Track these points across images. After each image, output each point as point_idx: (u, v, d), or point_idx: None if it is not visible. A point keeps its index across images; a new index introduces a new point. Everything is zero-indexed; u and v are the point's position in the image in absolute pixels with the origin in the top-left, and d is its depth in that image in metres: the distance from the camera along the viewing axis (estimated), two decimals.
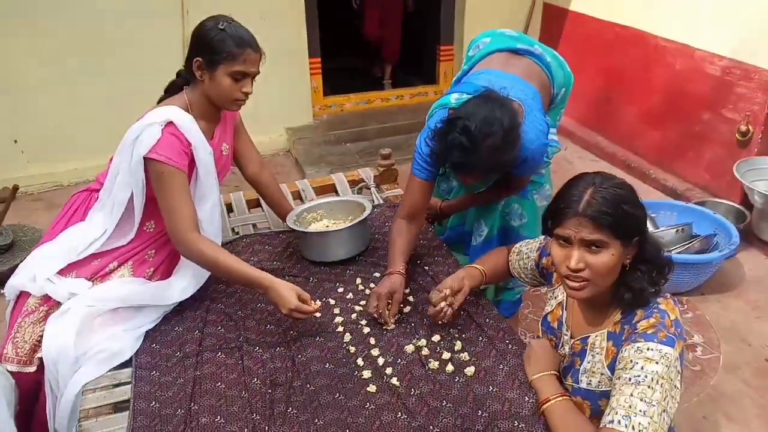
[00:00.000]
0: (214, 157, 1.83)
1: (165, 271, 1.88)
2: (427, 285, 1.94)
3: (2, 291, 1.84)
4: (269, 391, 1.53)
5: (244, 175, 2.19)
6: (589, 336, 1.41)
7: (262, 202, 2.40)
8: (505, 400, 1.47)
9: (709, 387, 2.46)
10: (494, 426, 1.40)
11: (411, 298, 1.88)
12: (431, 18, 5.27)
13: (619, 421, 1.20)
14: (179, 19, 4.13)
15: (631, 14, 4.35)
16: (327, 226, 2.18)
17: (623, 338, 1.32)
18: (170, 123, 1.69)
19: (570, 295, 1.38)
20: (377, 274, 2.01)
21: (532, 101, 1.93)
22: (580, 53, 4.69)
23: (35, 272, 1.72)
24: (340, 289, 1.95)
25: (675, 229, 3.08)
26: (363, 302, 1.87)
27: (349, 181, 2.60)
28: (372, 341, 1.70)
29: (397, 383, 1.54)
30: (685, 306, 2.93)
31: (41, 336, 1.66)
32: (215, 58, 1.70)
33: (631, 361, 1.25)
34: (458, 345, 1.66)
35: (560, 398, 1.39)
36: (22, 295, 1.75)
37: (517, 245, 1.79)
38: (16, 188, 3.14)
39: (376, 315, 1.75)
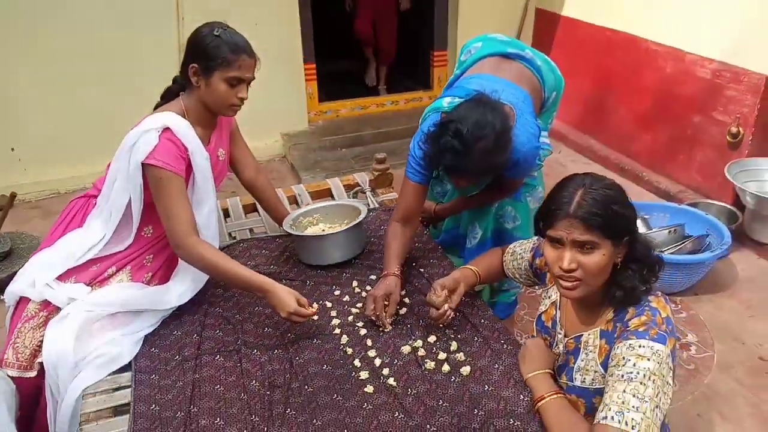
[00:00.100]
0: (210, 163, 1.85)
1: (163, 275, 1.90)
2: (423, 287, 1.96)
3: (2, 297, 1.85)
4: (268, 392, 1.55)
5: (241, 180, 2.21)
6: (582, 334, 1.43)
7: (259, 206, 2.42)
8: (501, 398, 1.49)
9: (703, 386, 2.48)
10: (490, 424, 1.42)
11: (407, 300, 1.91)
12: (425, 23, 5.30)
13: (612, 417, 1.22)
14: (174, 26, 4.15)
15: (622, 19, 4.39)
16: (323, 230, 2.20)
17: (615, 336, 1.34)
18: (167, 129, 1.71)
19: (563, 294, 1.40)
20: (373, 277, 2.03)
21: (523, 104, 1.96)
22: (573, 57, 4.74)
23: (34, 278, 1.73)
24: (337, 292, 1.97)
25: (667, 230, 3.11)
26: (359, 304, 1.89)
27: (344, 186, 2.63)
28: (369, 343, 1.72)
29: (394, 383, 1.56)
30: (679, 306, 2.96)
31: (41, 341, 1.68)
32: (211, 64, 1.72)
33: (624, 358, 1.27)
34: (454, 345, 1.68)
35: (555, 396, 1.41)
36: (22, 301, 1.77)
37: (511, 246, 1.82)
38: (14, 196, 3.15)
39: (373, 317, 1.77)
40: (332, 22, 5.31)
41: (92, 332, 1.68)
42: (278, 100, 4.46)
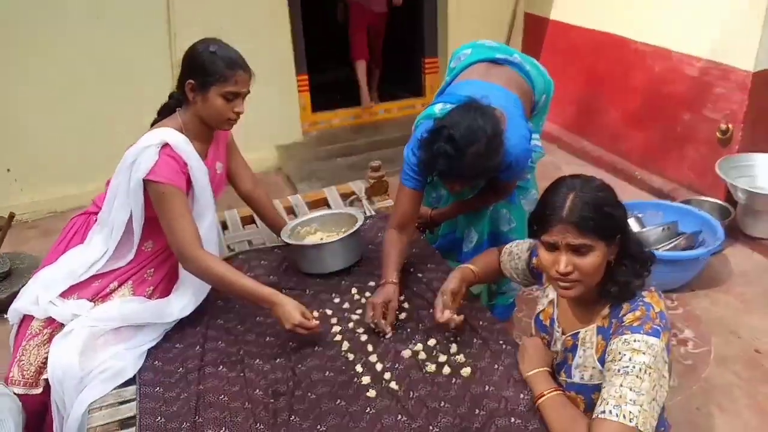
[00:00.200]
0: (209, 177, 1.88)
1: (164, 289, 1.92)
2: (422, 291, 1.99)
3: (5, 316, 1.87)
4: (272, 401, 1.57)
5: (238, 193, 2.23)
6: (579, 332, 1.46)
7: (257, 218, 2.44)
8: (502, 398, 1.52)
9: (701, 380, 2.51)
10: (492, 423, 1.44)
11: (406, 305, 1.93)
12: (415, 31, 5.34)
13: (610, 411, 1.24)
14: (166, 41, 4.18)
15: (609, 21, 4.44)
16: (321, 239, 2.22)
17: (611, 332, 1.37)
18: (166, 145, 1.74)
19: (561, 295, 1.43)
20: (372, 284, 2.05)
21: (514, 108, 2.00)
22: (562, 60, 4.79)
23: (38, 295, 1.76)
24: (337, 300, 1.99)
25: (661, 228, 3.14)
26: (359, 311, 1.91)
27: (340, 195, 2.66)
28: (370, 348, 1.74)
29: (396, 387, 1.58)
30: (675, 302, 2.99)
31: (46, 358, 1.70)
32: (207, 79, 1.75)
33: (620, 353, 1.30)
34: (454, 348, 1.71)
35: (554, 393, 1.43)
36: (26, 319, 1.79)
37: (508, 246, 1.84)
38: (12, 216, 3.17)
39: (372, 325, 1.79)
40: (323, 33, 5.33)
41: (96, 347, 1.70)
42: (272, 112, 4.49)
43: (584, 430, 1.30)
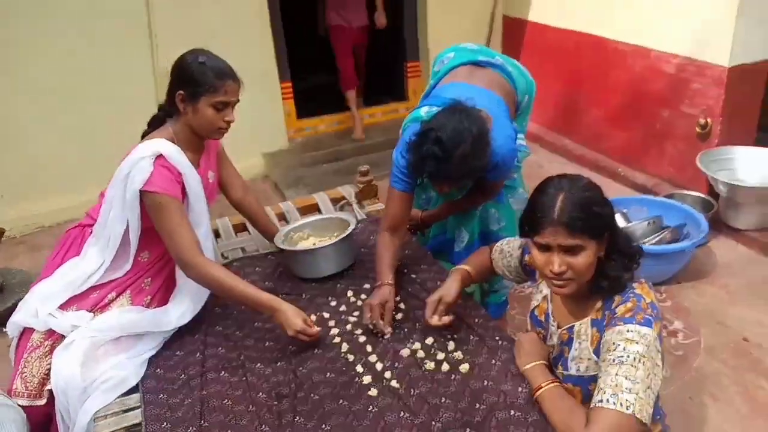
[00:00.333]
0: (202, 185, 1.90)
1: (162, 298, 1.93)
2: (416, 292, 2.02)
3: (4, 329, 1.87)
4: (275, 403, 1.59)
5: (229, 201, 2.25)
6: (574, 325, 1.49)
7: (249, 225, 2.46)
8: (500, 392, 1.55)
9: (692, 369, 2.56)
10: (492, 417, 1.47)
11: (402, 306, 1.96)
12: (396, 36, 5.38)
13: (607, 400, 1.28)
14: (148, 53, 4.18)
15: (586, 21, 4.51)
16: (314, 244, 2.24)
17: (605, 323, 1.40)
18: (160, 156, 1.76)
19: (555, 292, 1.47)
20: (367, 286, 2.07)
21: (498, 109, 2.03)
22: (542, 61, 4.85)
23: (36, 308, 1.76)
24: (333, 303, 2.02)
25: (646, 222, 3.21)
26: (356, 313, 1.94)
27: (331, 200, 2.68)
28: (369, 348, 1.77)
29: (397, 385, 1.61)
30: (664, 295, 3.04)
31: (48, 369, 1.71)
32: (197, 90, 1.77)
33: (614, 343, 1.33)
34: (451, 345, 1.74)
35: (551, 385, 1.47)
36: (26, 332, 1.79)
37: (498, 244, 1.88)
38: (2, 232, 3.15)
39: (371, 326, 1.81)
40: (306, 39, 5.34)
41: (98, 357, 1.71)
42: (257, 120, 4.50)
43: (583, 420, 1.32)
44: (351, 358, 1.74)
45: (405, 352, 1.73)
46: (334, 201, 2.68)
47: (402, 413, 1.51)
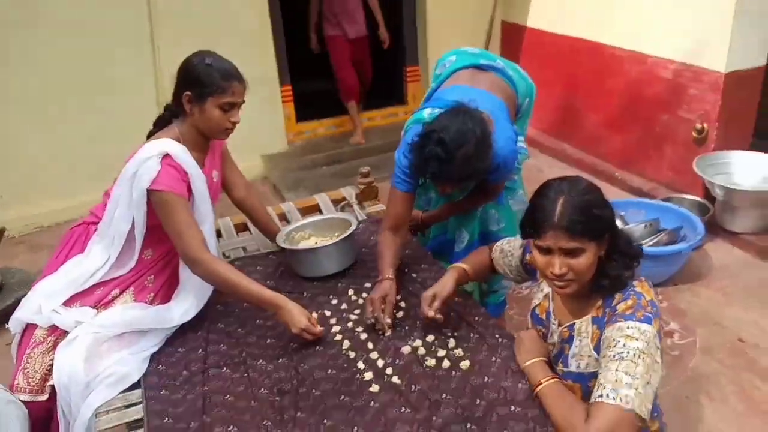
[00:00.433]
0: (206, 185, 1.92)
1: (165, 295, 1.95)
2: (417, 291, 2.02)
3: (6, 326, 1.88)
4: (277, 398, 1.60)
5: (232, 200, 2.27)
6: (575, 323, 1.51)
7: (250, 225, 2.48)
8: (501, 388, 1.56)
9: (688, 369, 2.59)
10: (493, 412, 1.48)
11: (403, 304, 1.97)
12: (396, 41, 5.41)
13: (607, 395, 1.29)
14: (150, 56, 4.21)
15: (584, 27, 4.56)
16: (316, 243, 2.26)
17: (605, 321, 1.42)
18: (167, 155, 1.78)
19: (557, 293, 1.50)
20: (368, 285, 2.08)
21: (499, 111, 2.06)
22: (540, 66, 4.89)
23: (41, 305, 1.77)
24: (334, 301, 2.03)
25: (643, 224, 3.24)
26: (357, 311, 1.95)
27: (331, 201, 2.70)
28: (370, 346, 1.78)
29: (398, 381, 1.62)
30: (660, 296, 3.07)
31: (51, 365, 1.72)
32: (204, 91, 1.79)
33: (614, 340, 1.35)
34: (452, 343, 1.75)
35: (551, 381, 1.48)
36: (28, 328, 1.80)
37: (499, 243, 1.89)
38: (2, 231, 3.16)
39: (372, 320, 1.83)
40: (305, 43, 5.36)
41: (101, 353, 1.73)
42: (257, 122, 4.50)
43: (583, 415, 1.34)
44: (352, 355, 1.75)
45: (406, 349, 1.75)
46: (335, 202, 2.70)
47: (403, 408, 1.53)
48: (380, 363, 1.70)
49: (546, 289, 1.66)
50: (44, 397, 1.74)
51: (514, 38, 5.31)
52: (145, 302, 1.90)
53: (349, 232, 2.17)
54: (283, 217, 2.61)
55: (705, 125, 3.67)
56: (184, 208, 1.78)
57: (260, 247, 2.42)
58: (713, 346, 2.72)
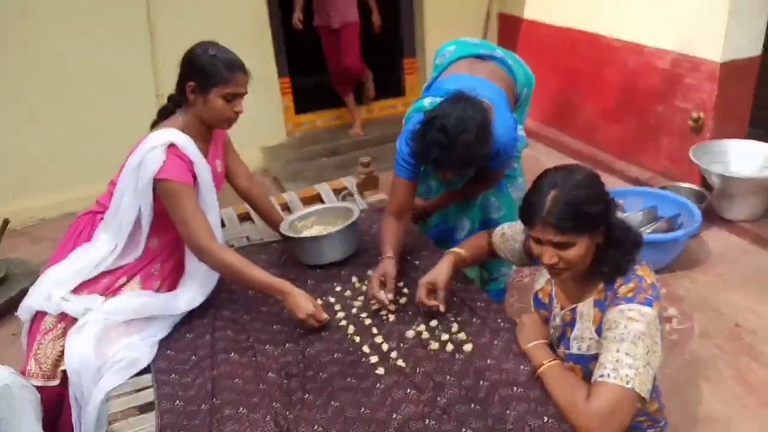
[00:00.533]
0: (211, 174, 1.94)
1: (172, 282, 1.98)
2: (419, 277, 2.02)
3: (16, 313, 1.91)
4: (285, 381, 1.63)
5: (236, 190, 2.29)
6: (577, 306, 1.54)
7: (253, 214, 2.51)
8: (503, 370, 1.60)
9: (686, 353, 2.63)
10: (496, 393, 1.52)
11: (406, 290, 2.00)
12: (393, 33, 5.43)
13: (608, 375, 1.33)
14: (148, 49, 4.22)
15: (581, 18, 4.58)
16: (320, 231, 2.28)
17: (607, 303, 1.45)
18: (172, 145, 1.80)
19: (553, 278, 1.55)
20: (371, 272, 2.10)
21: (499, 99, 2.08)
22: (538, 58, 4.89)
23: (50, 292, 1.80)
24: (338, 288, 2.06)
25: (641, 213, 3.27)
26: (361, 298, 1.99)
27: (333, 190, 2.73)
28: (375, 330, 1.82)
29: (403, 364, 1.65)
30: (658, 283, 3.09)
31: (62, 351, 1.75)
32: (208, 81, 1.81)
33: (615, 321, 1.38)
34: (455, 327, 1.79)
35: (553, 362, 1.51)
36: (38, 315, 1.83)
37: (500, 228, 1.92)
38: (6, 222, 3.18)
39: (373, 299, 1.87)
40: (302, 37, 5.38)
41: (111, 339, 1.76)
42: (256, 114, 4.47)
43: (584, 394, 1.37)
44: (357, 339, 1.78)
45: (410, 333, 1.78)
46: (336, 191, 2.73)
47: (408, 390, 1.56)
48: (385, 347, 1.74)
49: (548, 274, 1.69)
50: (56, 382, 1.77)
51: (511, 30, 5.33)
52: (152, 290, 1.92)
53: (351, 220, 2.20)
54: (285, 207, 2.64)
55: (701, 114, 3.71)
56: (190, 197, 1.81)
57: (263, 236, 2.45)
58: (711, 331, 2.76)
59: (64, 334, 1.77)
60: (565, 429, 1.39)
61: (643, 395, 1.32)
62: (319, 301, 1.92)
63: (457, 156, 1.84)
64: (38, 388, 1.73)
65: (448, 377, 1.59)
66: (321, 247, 2.18)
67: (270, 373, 1.67)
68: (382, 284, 1.88)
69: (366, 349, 1.74)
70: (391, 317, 1.87)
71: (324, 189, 2.73)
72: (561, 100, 4.94)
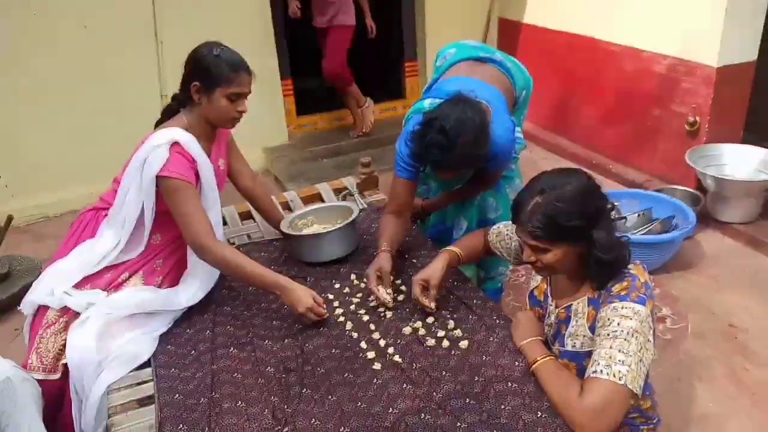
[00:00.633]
0: (213, 173, 1.97)
1: (173, 278, 2.01)
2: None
3: (19, 308, 1.94)
4: (283, 376, 1.66)
5: (238, 188, 2.32)
6: (572, 304, 1.57)
7: (254, 213, 2.54)
8: (498, 366, 1.63)
9: (680, 353, 2.66)
10: (490, 388, 1.55)
11: (403, 288, 2.03)
12: (394, 36, 5.47)
13: (601, 371, 1.35)
14: (153, 50, 4.26)
15: (580, 23, 4.61)
16: (319, 230, 2.31)
17: (600, 301, 1.48)
18: (176, 143, 1.83)
19: (537, 274, 1.60)
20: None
21: (497, 102, 2.11)
22: (537, 62, 4.92)
23: (53, 287, 1.83)
24: (337, 285, 2.09)
25: (636, 214, 3.31)
26: (360, 295, 2.01)
27: (333, 190, 2.76)
28: (372, 327, 1.84)
29: (400, 360, 1.68)
30: (653, 283, 3.13)
31: (63, 345, 1.77)
32: (212, 81, 1.84)
33: (609, 319, 1.41)
34: (451, 324, 1.82)
35: (547, 358, 1.54)
36: (40, 310, 1.86)
37: (496, 227, 1.95)
38: (10, 219, 3.21)
39: (372, 293, 1.90)
40: (304, 40, 5.42)
41: (112, 333, 1.78)
42: (258, 115, 4.51)
43: (577, 390, 1.39)
44: (355, 335, 1.81)
45: (407, 330, 1.81)
46: (337, 191, 2.76)
47: (405, 385, 1.59)
48: (382, 343, 1.76)
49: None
50: (57, 376, 1.80)
51: (510, 34, 5.37)
52: (154, 285, 1.95)
53: (351, 218, 2.23)
54: (286, 206, 2.67)
55: (697, 118, 3.74)
56: (192, 194, 1.84)
57: (264, 234, 2.48)
58: (705, 331, 2.79)
59: (65, 328, 1.80)
60: (558, 424, 1.42)
61: (635, 391, 1.34)
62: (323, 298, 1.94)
63: (456, 157, 1.87)
64: (39, 381, 1.75)
65: (443, 373, 1.62)
66: (320, 245, 2.21)
67: (269, 368, 1.70)
68: (379, 279, 1.91)
69: (363, 344, 1.76)
70: (389, 314, 1.90)
71: (324, 188, 2.77)
72: (559, 104, 4.97)
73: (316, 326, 1.86)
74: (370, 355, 1.72)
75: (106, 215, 1.95)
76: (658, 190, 3.73)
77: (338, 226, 2.21)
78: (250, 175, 2.32)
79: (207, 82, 1.85)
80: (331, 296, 2.03)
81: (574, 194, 1.43)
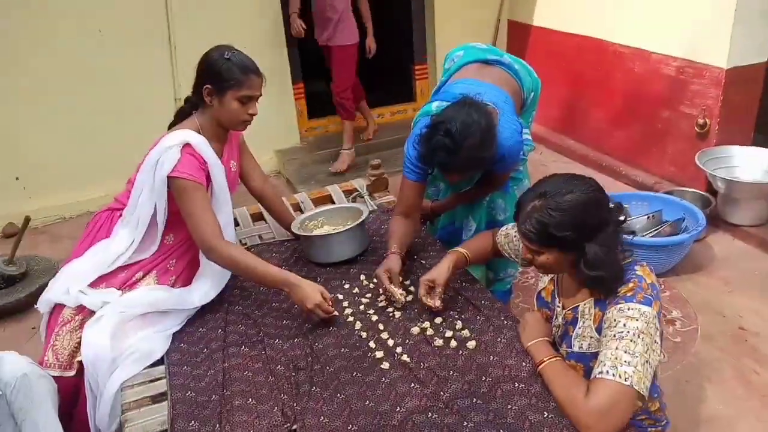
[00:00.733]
0: (224, 174, 2.01)
1: (186, 278, 2.04)
2: None
3: (36, 307, 1.98)
4: (293, 374, 1.69)
5: (249, 190, 2.35)
6: (579, 305, 1.58)
7: (266, 214, 2.57)
8: (505, 366, 1.64)
9: (690, 355, 2.65)
10: (497, 388, 1.56)
11: (412, 288, 2.05)
12: (404, 40, 5.49)
13: (607, 372, 1.36)
14: (167, 51, 4.33)
15: (589, 25, 4.61)
16: (329, 231, 2.34)
17: (607, 302, 1.49)
18: (187, 144, 1.87)
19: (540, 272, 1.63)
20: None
21: (505, 104, 2.13)
22: (546, 64, 4.92)
23: (68, 286, 1.87)
24: (346, 286, 2.12)
25: (646, 216, 3.30)
26: (369, 295, 2.04)
27: (343, 192, 2.79)
28: (381, 327, 1.87)
29: (408, 359, 1.70)
30: (662, 286, 3.13)
31: (79, 342, 1.81)
32: (224, 84, 1.88)
33: (615, 320, 1.42)
34: (459, 324, 1.84)
35: (554, 359, 1.56)
36: (56, 308, 1.90)
37: (504, 228, 1.97)
38: (27, 220, 3.26)
39: (386, 291, 1.92)
40: (315, 45, 5.46)
41: (126, 331, 1.82)
42: (270, 118, 4.59)
43: (583, 391, 1.40)
44: (364, 335, 1.83)
45: (415, 330, 1.83)
46: (347, 193, 2.79)
47: (412, 384, 1.61)
48: (390, 342, 1.79)
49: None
50: (72, 373, 1.84)
51: (520, 36, 5.38)
52: (168, 285, 1.99)
53: (360, 219, 2.26)
54: (297, 207, 2.70)
55: (707, 120, 3.73)
56: (201, 195, 1.87)
57: (275, 235, 2.52)
58: (714, 333, 2.79)
59: (81, 326, 1.84)
60: (565, 424, 1.43)
61: (641, 392, 1.35)
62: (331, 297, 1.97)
63: (462, 159, 1.89)
64: (55, 378, 1.79)
65: (451, 372, 1.64)
66: (331, 246, 2.24)
67: (279, 366, 1.73)
68: (389, 280, 1.94)
69: (372, 344, 1.79)
70: (397, 314, 1.92)
71: (335, 190, 2.80)
72: (568, 106, 4.98)
73: (325, 326, 1.89)
74: (379, 354, 1.74)
75: (120, 216, 1.99)
76: (667, 192, 3.72)
77: (348, 227, 2.24)
78: (262, 177, 2.35)
79: (218, 85, 1.88)
80: (340, 296, 2.05)
81: (571, 205, 1.43)
